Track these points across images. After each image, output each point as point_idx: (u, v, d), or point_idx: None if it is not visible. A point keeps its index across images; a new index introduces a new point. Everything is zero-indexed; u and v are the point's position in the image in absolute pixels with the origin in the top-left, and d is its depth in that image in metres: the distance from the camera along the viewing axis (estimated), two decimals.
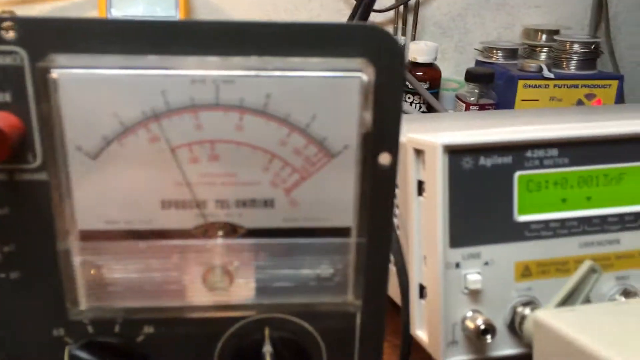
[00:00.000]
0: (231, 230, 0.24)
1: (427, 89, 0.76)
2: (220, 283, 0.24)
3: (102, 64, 0.21)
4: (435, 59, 0.76)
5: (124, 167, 0.22)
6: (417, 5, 0.84)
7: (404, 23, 0.85)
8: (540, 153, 0.30)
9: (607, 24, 0.87)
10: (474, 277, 0.30)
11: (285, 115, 0.22)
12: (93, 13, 0.82)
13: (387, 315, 0.25)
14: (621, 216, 0.32)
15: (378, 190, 0.24)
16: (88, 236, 0.23)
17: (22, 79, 0.22)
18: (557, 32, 0.82)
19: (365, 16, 0.70)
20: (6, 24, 0.21)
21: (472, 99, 0.75)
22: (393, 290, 0.34)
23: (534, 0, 0.87)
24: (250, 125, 0.22)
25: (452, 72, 0.90)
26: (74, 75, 0.21)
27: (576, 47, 0.73)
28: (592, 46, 0.73)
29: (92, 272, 0.23)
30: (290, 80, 0.22)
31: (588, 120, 0.40)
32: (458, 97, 0.77)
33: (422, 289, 0.32)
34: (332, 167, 0.23)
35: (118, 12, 0.74)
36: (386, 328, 0.39)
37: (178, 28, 0.22)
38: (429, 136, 0.30)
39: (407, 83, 0.75)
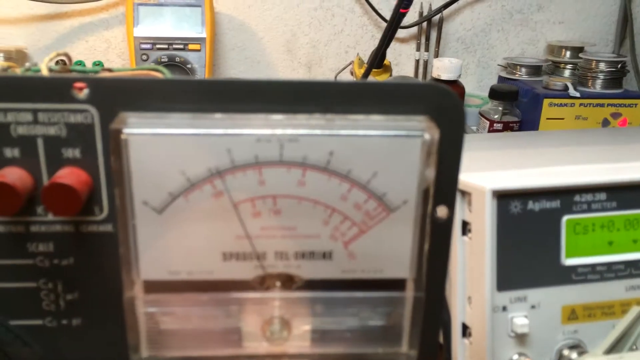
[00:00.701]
0: (288, 281, 0.24)
1: None
2: (278, 333, 0.24)
3: (170, 122, 0.22)
4: (459, 76, 0.76)
5: (188, 221, 0.23)
6: (440, 21, 0.84)
7: (427, 39, 0.85)
8: (588, 197, 0.30)
9: (632, 40, 0.86)
10: (521, 321, 0.30)
11: (347, 171, 0.23)
12: (119, 29, 0.83)
13: None
14: None
15: (435, 243, 0.24)
16: (152, 286, 0.24)
17: (92, 136, 0.22)
18: (581, 49, 0.81)
19: (393, 34, 0.70)
20: (79, 84, 0.22)
21: (496, 116, 0.75)
22: None
23: (558, 16, 0.87)
24: (312, 181, 0.23)
25: (475, 88, 0.90)
26: (143, 135, 0.22)
27: (602, 66, 0.73)
28: (619, 65, 0.73)
29: (154, 321, 0.24)
30: (353, 139, 0.22)
31: (624, 149, 0.40)
32: (482, 114, 0.77)
33: (465, 328, 0.32)
34: (390, 221, 0.23)
35: (145, 29, 0.74)
36: None
37: (243, 86, 0.22)
38: (476, 178, 0.30)
39: None
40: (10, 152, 0.22)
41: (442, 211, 0.24)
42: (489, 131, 0.76)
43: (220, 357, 0.24)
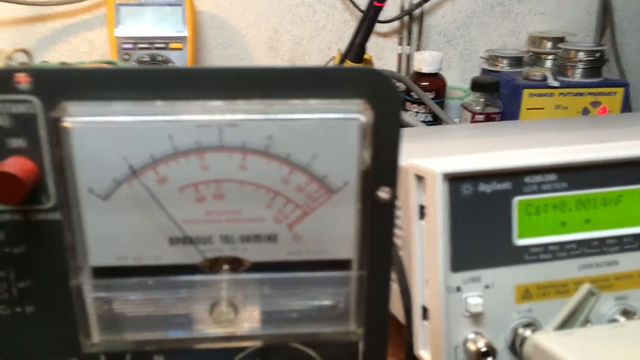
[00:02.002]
0: (236, 264, 0.25)
1: (433, 98, 0.76)
2: (226, 316, 0.24)
3: (111, 111, 0.22)
4: (440, 68, 0.77)
5: (134, 207, 0.23)
6: (421, 15, 0.85)
7: (409, 33, 0.86)
8: (538, 178, 0.30)
9: (613, 30, 0.87)
10: (475, 301, 0.30)
11: (287, 155, 0.23)
12: (102, 30, 0.83)
13: (393, 333, 0.26)
14: (619, 238, 0.32)
15: (378, 223, 0.24)
16: (100, 272, 0.24)
17: (36, 125, 0.23)
18: (562, 39, 0.82)
19: (370, 27, 0.71)
20: (20, 74, 0.22)
21: (478, 108, 0.76)
22: (398, 310, 0.35)
23: (539, 7, 0.88)
24: (253, 165, 0.23)
25: (458, 80, 0.90)
26: (85, 123, 0.22)
27: (581, 55, 0.73)
28: (597, 54, 0.73)
29: (103, 306, 0.24)
30: (291, 123, 0.23)
31: (591, 135, 0.41)
32: (464, 106, 0.78)
33: (425, 310, 0.32)
34: (332, 203, 0.24)
35: (126, 29, 0.75)
36: (392, 345, 0.40)
37: (183, 74, 0.23)
38: (429, 162, 0.31)
39: (413, 93, 0.76)
40: None
41: (384, 192, 0.24)
42: (471, 122, 0.77)
43: (171, 339, 0.25)
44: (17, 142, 0.23)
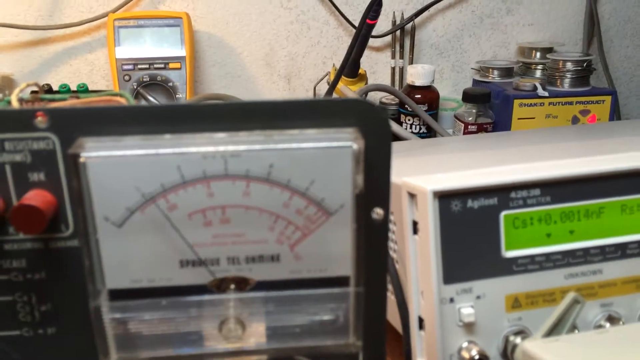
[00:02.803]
0: (242, 283, 0.26)
1: (426, 110, 0.79)
2: (234, 332, 0.26)
3: (124, 145, 0.24)
4: (433, 81, 0.79)
5: (146, 232, 0.25)
6: (413, 29, 0.87)
7: (402, 47, 0.88)
8: (523, 193, 0.32)
9: (600, 38, 0.89)
10: (467, 311, 0.32)
11: (287, 181, 0.25)
12: (102, 51, 0.85)
13: (392, 342, 0.28)
14: (602, 248, 0.34)
15: (372, 242, 0.26)
16: (116, 294, 0.26)
17: (55, 160, 0.25)
18: (551, 49, 0.84)
19: (364, 44, 0.73)
20: (39, 114, 0.24)
21: (470, 118, 0.78)
22: (396, 320, 0.37)
23: (527, 18, 0.90)
24: (256, 191, 0.25)
25: (451, 91, 0.93)
26: (100, 157, 0.24)
27: (569, 65, 0.76)
28: (585, 64, 0.76)
29: (120, 326, 0.26)
30: (290, 152, 0.24)
31: (577, 147, 0.43)
32: (456, 117, 0.80)
33: (421, 321, 0.34)
34: (330, 224, 0.26)
35: (126, 50, 0.77)
36: (392, 354, 0.41)
37: (189, 109, 0.25)
38: (420, 181, 0.32)
39: (407, 106, 0.78)
40: None
41: (377, 212, 0.26)
42: (464, 133, 0.78)
43: (184, 356, 0.27)
44: (37, 176, 0.25)
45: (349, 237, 0.26)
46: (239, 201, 0.25)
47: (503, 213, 0.32)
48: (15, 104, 0.29)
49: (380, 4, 0.68)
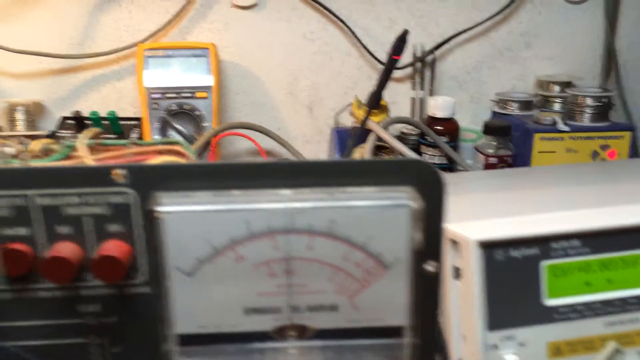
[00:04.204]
0: (302, 331, 0.28)
1: (447, 142, 0.80)
2: None
3: (195, 200, 0.26)
4: (454, 113, 0.80)
5: (215, 281, 0.27)
6: (433, 61, 0.89)
7: (422, 78, 0.90)
8: (564, 244, 0.34)
9: (617, 73, 0.91)
10: (511, 358, 0.33)
11: (348, 236, 0.26)
12: (130, 79, 0.88)
13: None
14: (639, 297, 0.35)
15: (426, 294, 0.28)
16: (184, 340, 0.27)
17: (130, 212, 0.26)
18: (569, 83, 0.86)
19: (387, 77, 0.75)
20: (117, 171, 0.26)
21: (491, 151, 0.79)
22: None
23: (546, 52, 0.92)
24: (318, 245, 0.27)
25: (469, 122, 0.94)
26: (175, 212, 0.26)
27: (589, 101, 0.77)
28: (604, 99, 0.77)
29: None
30: (351, 209, 0.26)
31: (607, 191, 0.44)
32: (477, 149, 0.81)
33: None
34: (387, 277, 0.27)
35: (154, 79, 0.79)
36: None
37: (256, 167, 0.26)
38: (463, 228, 0.34)
39: (427, 137, 0.79)
40: (62, 229, 0.26)
41: (431, 266, 0.28)
42: (485, 165, 0.80)
43: None
44: (114, 227, 0.26)
45: (405, 288, 0.27)
46: (302, 254, 0.27)
47: (544, 263, 0.34)
48: (82, 152, 0.31)
49: (405, 41, 0.70)
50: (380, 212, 0.26)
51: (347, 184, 0.27)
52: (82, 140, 0.32)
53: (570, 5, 0.90)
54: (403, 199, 0.26)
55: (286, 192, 0.26)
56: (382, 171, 0.26)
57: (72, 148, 0.32)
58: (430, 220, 0.27)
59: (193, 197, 0.26)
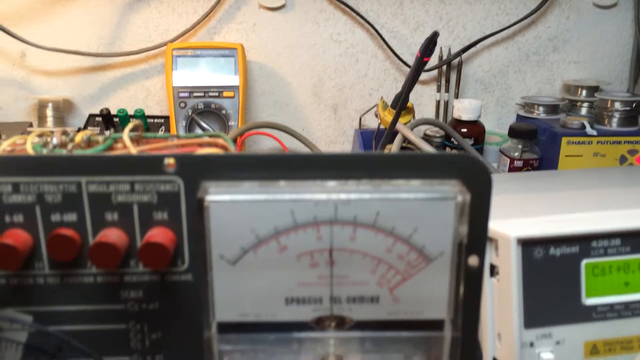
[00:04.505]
0: (341, 321, 0.28)
1: (472, 144, 0.80)
2: None
3: (242, 189, 0.26)
4: (479, 116, 0.80)
5: (257, 271, 0.27)
6: (459, 64, 0.89)
7: (447, 81, 0.90)
8: (604, 243, 0.33)
9: None
10: (547, 356, 0.33)
11: (392, 228, 0.27)
12: (158, 78, 0.89)
13: None
14: None
15: (468, 288, 0.28)
16: (224, 327, 0.28)
17: (178, 201, 0.27)
18: (597, 87, 0.85)
19: (415, 79, 0.75)
20: (168, 160, 0.26)
21: (516, 154, 0.79)
22: None
23: (573, 56, 0.91)
24: (362, 236, 0.27)
25: (495, 126, 0.94)
26: (222, 201, 0.26)
27: (617, 105, 0.76)
28: (634, 104, 0.76)
29: (227, 357, 0.28)
30: (397, 201, 0.26)
31: (637, 192, 0.43)
32: (502, 152, 0.81)
33: None
34: (429, 270, 0.27)
35: (182, 78, 0.80)
36: None
37: (303, 159, 0.27)
38: (501, 225, 0.34)
39: (453, 139, 0.79)
40: (111, 216, 0.27)
41: (473, 260, 0.28)
42: (510, 168, 0.80)
43: None
44: (161, 215, 0.27)
45: (447, 282, 0.27)
46: (345, 245, 0.27)
47: (584, 261, 0.33)
48: (127, 143, 0.31)
49: (435, 43, 0.70)
50: (426, 204, 0.26)
51: (393, 177, 0.27)
52: (126, 132, 0.32)
53: (599, 9, 0.89)
54: (450, 192, 0.26)
55: (332, 183, 0.27)
56: (429, 165, 0.26)
57: (116, 140, 0.33)
58: (476, 214, 0.27)
59: (239, 186, 0.26)
